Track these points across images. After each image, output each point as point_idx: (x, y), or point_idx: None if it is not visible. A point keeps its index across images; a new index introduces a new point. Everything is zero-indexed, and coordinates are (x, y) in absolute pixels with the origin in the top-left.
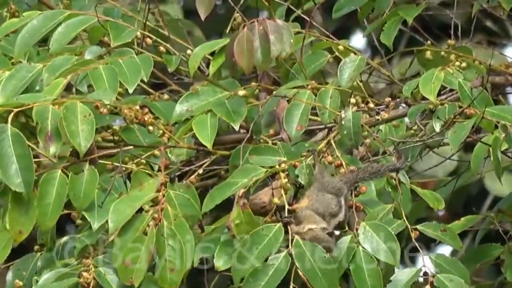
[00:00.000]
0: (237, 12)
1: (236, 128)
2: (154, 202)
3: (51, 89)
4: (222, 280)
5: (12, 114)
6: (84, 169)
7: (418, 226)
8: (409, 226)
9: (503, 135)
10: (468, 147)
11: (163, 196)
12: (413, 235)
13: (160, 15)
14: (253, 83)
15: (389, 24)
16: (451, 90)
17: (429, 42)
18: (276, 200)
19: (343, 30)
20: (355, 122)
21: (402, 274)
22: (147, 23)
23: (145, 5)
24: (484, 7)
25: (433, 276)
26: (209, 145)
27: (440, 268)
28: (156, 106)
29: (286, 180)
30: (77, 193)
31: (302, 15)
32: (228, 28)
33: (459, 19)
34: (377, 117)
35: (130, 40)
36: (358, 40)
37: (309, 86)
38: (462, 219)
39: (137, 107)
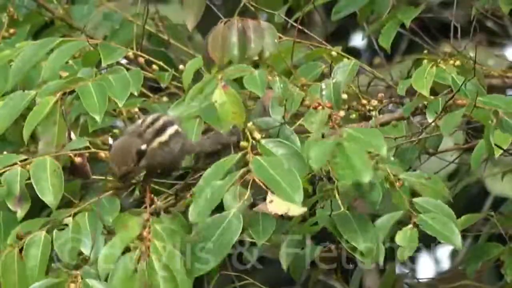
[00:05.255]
0: (237, 15)
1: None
2: (141, 239)
3: (40, 109)
4: (222, 280)
5: None
6: (68, 224)
7: (401, 176)
8: (391, 174)
9: (495, 121)
10: (467, 150)
11: (149, 232)
12: (398, 184)
13: (160, 20)
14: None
15: (388, 26)
16: (447, 93)
17: (425, 51)
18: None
19: (343, 31)
20: (336, 90)
21: (385, 218)
22: (147, 27)
23: (144, 8)
24: (481, 11)
25: (416, 216)
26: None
27: (424, 210)
28: (155, 108)
29: None
30: (63, 248)
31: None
32: None
33: (459, 19)
34: (372, 121)
35: (120, 59)
36: (358, 39)
37: (299, 84)
38: (463, 217)
39: (136, 110)
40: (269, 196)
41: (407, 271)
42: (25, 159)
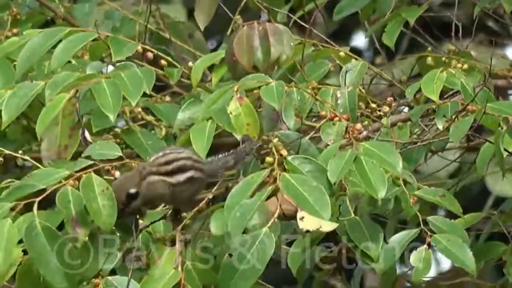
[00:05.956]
0: (238, 14)
1: (238, 137)
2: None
3: (53, 105)
4: None
5: (36, 204)
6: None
7: (416, 192)
8: (407, 192)
9: (505, 128)
10: (469, 148)
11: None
12: (412, 201)
13: (161, 18)
14: (255, 91)
15: (391, 25)
16: (453, 95)
17: (429, 48)
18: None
19: (344, 30)
20: (351, 99)
21: (399, 236)
22: (148, 26)
23: (146, 7)
24: (484, 10)
25: (431, 236)
26: (202, 155)
27: (438, 229)
28: (158, 108)
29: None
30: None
31: (302, 17)
32: (229, 30)
33: (460, 18)
34: (381, 121)
35: (131, 54)
36: (360, 39)
37: (310, 87)
38: (465, 216)
39: (139, 109)
40: (300, 213)
41: (407, 270)
42: (70, 175)
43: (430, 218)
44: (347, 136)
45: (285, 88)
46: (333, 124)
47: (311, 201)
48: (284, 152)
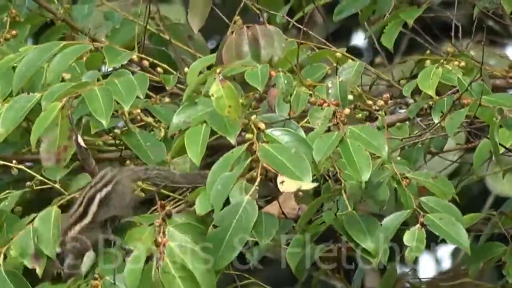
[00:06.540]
0: (237, 14)
1: (233, 142)
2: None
3: (46, 115)
4: (222, 280)
5: (2, 255)
6: None
7: (408, 175)
8: (398, 173)
9: (499, 118)
10: (469, 149)
11: (163, 236)
12: (404, 183)
13: (161, 20)
14: (251, 93)
15: (390, 26)
16: (453, 93)
17: (428, 51)
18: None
19: (344, 30)
20: (342, 88)
21: (393, 216)
22: (148, 27)
23: (145, 9)
24: (484, 10)
25: (423, 216)
26: (196, 162)
27: (432, 210)
28: (157, 109)
29: None
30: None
31: (302, 18)
32: (229, 31)
33: (460, 18)
34: (376, 123)
35: (125, 63)
36: (359, 39)
37: (306, 84)
38: (465, 217)
39: (138, 111)
40: (280, 178)
41: (407, 270)
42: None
43: (423, 199)
44: (335, 120)
45: (271, 73)
46: (321, 109)
47: (291, 167)
48: (262, 126)
